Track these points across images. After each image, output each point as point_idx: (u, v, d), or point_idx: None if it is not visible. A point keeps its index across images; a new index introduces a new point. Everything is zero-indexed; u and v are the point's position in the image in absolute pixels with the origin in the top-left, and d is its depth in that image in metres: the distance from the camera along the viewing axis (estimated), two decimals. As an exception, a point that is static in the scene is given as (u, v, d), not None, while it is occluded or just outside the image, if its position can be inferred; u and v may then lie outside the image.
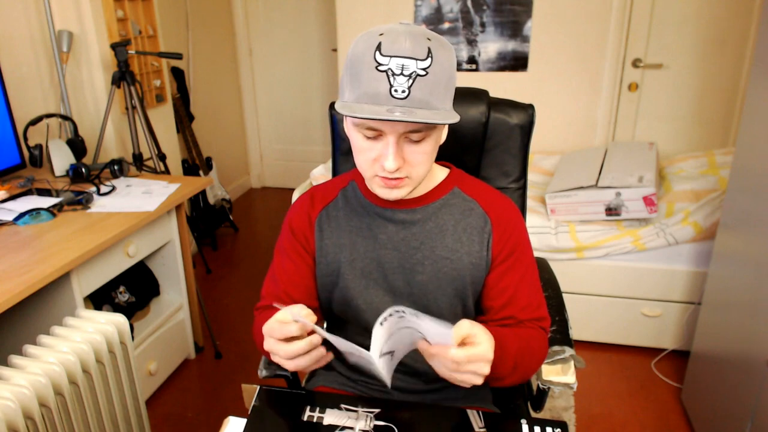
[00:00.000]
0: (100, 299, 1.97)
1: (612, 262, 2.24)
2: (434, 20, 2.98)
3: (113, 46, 2.24)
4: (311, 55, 4.06)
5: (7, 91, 2.05)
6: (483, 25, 2.94)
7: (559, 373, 1.08)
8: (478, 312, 1.11)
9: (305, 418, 0.93)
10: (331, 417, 0.93)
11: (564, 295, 1.41)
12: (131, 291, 2.09)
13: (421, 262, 1.02)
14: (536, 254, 2.26)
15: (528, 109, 1.28)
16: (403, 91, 0.83)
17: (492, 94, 1.29)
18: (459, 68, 3.03)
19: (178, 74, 3.31)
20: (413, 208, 1.02)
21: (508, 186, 1.31)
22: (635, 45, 2.84)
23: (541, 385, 1.12)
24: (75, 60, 2.36)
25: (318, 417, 0.93)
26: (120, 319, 1.54)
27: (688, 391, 2.02)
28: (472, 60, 3.02)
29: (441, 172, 1.07)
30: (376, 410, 0.95)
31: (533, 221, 2.27)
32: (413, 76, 0.83)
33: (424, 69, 0.83)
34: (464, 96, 1.27)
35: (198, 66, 3.60)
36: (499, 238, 1.01)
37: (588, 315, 2.33)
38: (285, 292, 1.07)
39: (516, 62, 2.98)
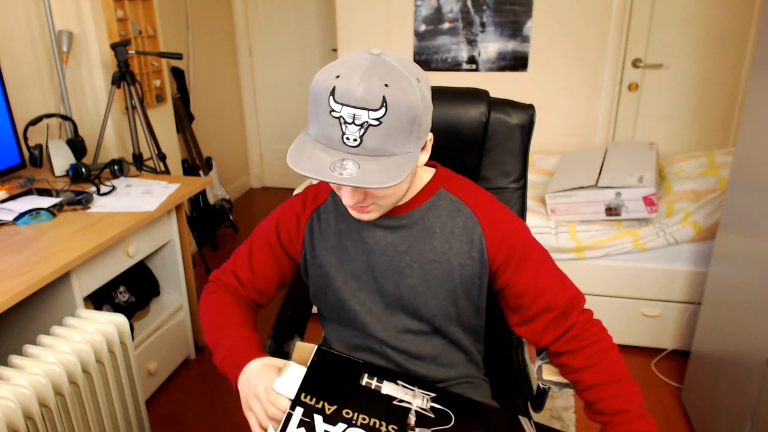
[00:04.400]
0: (100, 299, 1.97)
1: (612, 262, 2.24)
2: (434, 20, 2.98)
3: (113, 46, 2.24)
4: (311, 55, 4.06)
5: (7, 91, 2.05)
6: (483, 25, 2.94)
7: (559, 373, 1.08)
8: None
9: (363, 383, 0.93)
10: (388, 388, 0.93)
11: (564, 295, 1.41)
12: (131, 291, 2.09)
13: (409, 266, 1.01)
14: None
15: (528, 110, 1.28)
16: (355, 140, 0.82)
17: (492, 94, 1.29)
18: (459, 68, 3.04)
19: (178, 74, 3.31)
20: (399, 215, 1.02)
21: (508, 186, 1.31)
22: (635, 45, 2.84)
23: (541, 385, 1.12)
24: (75, 60, 2.36)
25: (376, 385, 0.93)
26: (120, 319, 1.54)
27: (688, 391, 2.02)
28: (472, 60, 3.02)
29: (426, 174, 1.05)
30: (433, 394, 0.96)
31: (533, 221, 2.26)
32: (365, 126, 0.81)
33: (377, 119, 0.80)
34: (464, 96, 1.27)
35: (198, 66, 3.60)
36: (492, 238, 1.00)
37: (588, 315, 2.33)
38: (255, 289, 1.11)
39: (516, 62, 2.98)
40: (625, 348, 2.38)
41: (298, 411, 0.84)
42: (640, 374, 2.24)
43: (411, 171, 0.85)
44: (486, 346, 1.22)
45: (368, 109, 0.80)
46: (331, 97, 0.81)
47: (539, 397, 1.22)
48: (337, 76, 0.81)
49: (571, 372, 1.02)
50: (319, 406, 0.86)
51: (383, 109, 0.80)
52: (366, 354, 1.09)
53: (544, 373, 1.10)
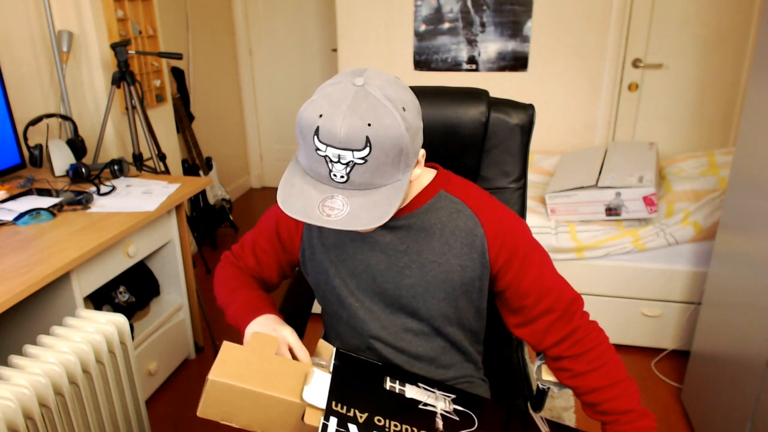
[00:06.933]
0: (100, 299, 1.97)
1: (612, 262, 2.24)
2: (434, 20, 2.98)
3: (113, 46, 2.24)
4: (311, 55, 4.06)
5: (7, 91, 2.05)
6: (483, 25, 2.94)
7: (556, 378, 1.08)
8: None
9: (388, 387, 0.93)
10: (412, 392, 0.94)
11: (564, 295, 1.41)
12: (131, 291, 2.09)
13: (408, 266, 1.01)
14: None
15: (528, 109, 1.28)
16: (342, 177, 0.83)
17: (492, 94, 1.29)
18: (459, 68, 3.03)
19: (178, 74, 3.31)
20: (399, 217, 1.01)
21: (508, 186, 1.31)
22: (635, 45, 2.84)
23: (541, 385, 1.12)
24: (75, 60, 2.36)
25: (399, 389, 0.94)
26: (120, 319, 1.54)
27: (688, 391, 2.02)
28: (472, 60, 3.02)
29: (427, 176, 1.05)
30: (453, 395, 0.96)
31: (533, 221, 2.26)
32: (351, 165, 0.82)
33: (362, 158, 0.81)
34: (464, 96, 1.27)
35: (198, 66, 3.60)
36: (494, 239, 1.00)
37: (588, 315, 2.33)
38: (258, 276, 1.18)
39: (516, 62, 2.98)
40: (625, 348, 2.38)
41: (333, 421, 0.84)
42: (640, 374, 2.24)
43: (401, 198, 0.86)
44: (486, 347, 1.22)
45: (352, 150, 0.80)
46: (316, 137, 0.81)
47: (539, 398, 1.22)
48: (320, 115, 0.81)
49: (574, 376, 1.02)
50: (351, 414, 0.86)
51: (367, 149, 0.81)
52: (366, 354, 1.09)
53: (544, 374, 1.10)
